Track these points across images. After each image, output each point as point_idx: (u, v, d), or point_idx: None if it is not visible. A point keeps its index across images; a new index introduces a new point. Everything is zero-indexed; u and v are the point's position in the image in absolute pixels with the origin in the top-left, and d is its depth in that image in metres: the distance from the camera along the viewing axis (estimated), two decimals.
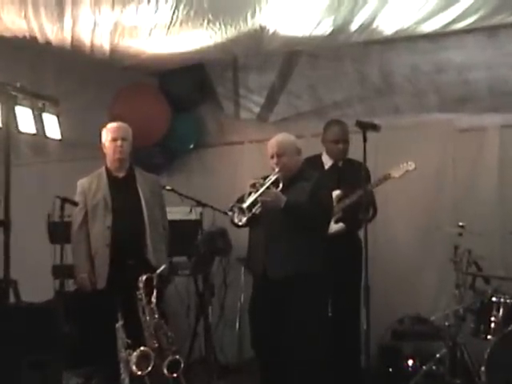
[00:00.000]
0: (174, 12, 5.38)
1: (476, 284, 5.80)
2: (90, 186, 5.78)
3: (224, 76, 7.57)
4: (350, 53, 6.78)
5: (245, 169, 7.33)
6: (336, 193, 5.73)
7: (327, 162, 6.08)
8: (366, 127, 4.83)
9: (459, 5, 5.45)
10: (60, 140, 6.23)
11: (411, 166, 5.78)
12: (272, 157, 5.15)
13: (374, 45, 6.57)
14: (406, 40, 6.39)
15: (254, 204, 4.89)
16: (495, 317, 5.58)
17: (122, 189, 5.78)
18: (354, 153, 5.91)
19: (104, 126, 5.86)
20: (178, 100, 7.52)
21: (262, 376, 5.23)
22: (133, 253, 5.61)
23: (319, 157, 6.12)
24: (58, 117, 6.06)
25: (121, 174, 5.82)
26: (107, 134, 5.77)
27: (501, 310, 5.57)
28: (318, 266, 5.00)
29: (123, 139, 5.73)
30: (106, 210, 5.69)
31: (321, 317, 5.06)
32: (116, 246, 5.63)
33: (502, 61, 6.37)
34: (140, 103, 7.30)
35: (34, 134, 5.93)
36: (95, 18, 5.49)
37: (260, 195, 4.90)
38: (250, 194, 4.95)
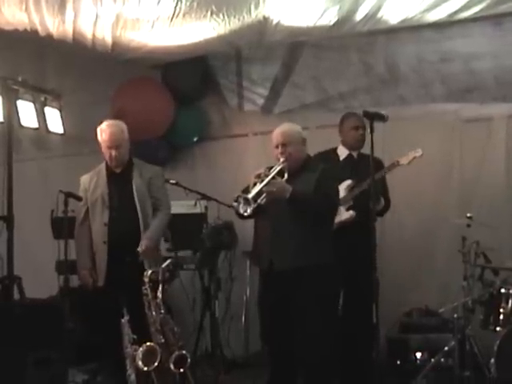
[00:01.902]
0: (177, 3, 5.33)
1: (484, 275, 5.75)
2: (90, 182, 5.75)
3: (227, 68, 7.51)
4: (354, 43, 6.72)
5: (249, 161, 7.27)
6: (347, 182, 5.76)
7: (343, 153, 6.07)
8: (373, 118, 4.76)
9: None
10: (62, 134, 6.19)
11: (418, 152, 5.75)
12: (277, 147, 5.07)
13: (379, 35, 6.51)
14: (412, 30, 6.33)
15: (259, 194, 4.83)
16: (504, 308, 5.54)
17: (119, 185, 5.72)
18: None
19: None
20: (182, 93, 7.47)
21: (272, 369, 5.17)
22: (130, 249, 5.51)
23: (334, 150, 6.10)
24: (60, 111, 6.03)
25: (118, 170, 5.75)
26: (101, 136, 5.64)
27: (510, 302, 5.53)
28: (325, 257, 4.95)
29: (117, 147, 5.61)
30: (103, 207, 5.66)
31: (331, 308, 5.01)
32: (113, 242, 5.59)
33: (508, 50, 6.31)
34: (143, 96, 7.25)
35: (36, 129, 5.90)
36: (97, 11, 5.44)
37: (265, 185, 4.85)
38: (255, 184, 4.89)
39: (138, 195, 5.65)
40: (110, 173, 5.74)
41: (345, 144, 6.08)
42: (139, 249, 5.42)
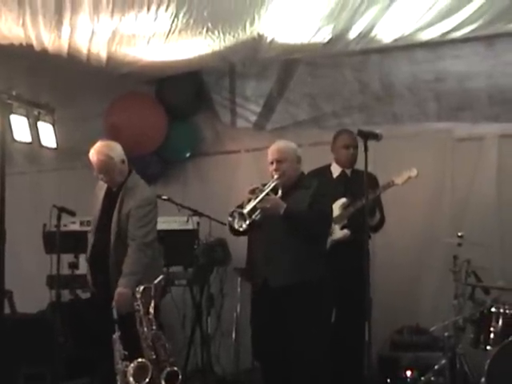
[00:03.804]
0: (173, 20, 5.32)
1: (475, 294, 5.75)
2: (99, 191, 5.62)
3: (221, 84, 7.51)
4: (349, 61, 6.73)
5: (241, 177, 7.27)
6: (342, 200, 5.78)
7: (336, 170, 6.10)
8: (367, 137, 4.78)
9: (458, 15, 5.43)
10: (55, 149, 6.17)
11: (413, 172, 5.75)
12: (272, 163, 5.10)
13: (373, 53, 6.53)
14: (406, 49, 6.35)
15: (253, 210, 4.85)
16: (495, 327, 5.52)
17: (110, 205, 5.53)
18: None
19: (100, 136, 5.72)
20: (175, 108, 7.48)
21: None
22: (101, 278, 5.43)
23: (328, 167, 6.12)
24: (53, 125, 6.02)
25: (114, 188, 5.58)
26: (92, 159, 5.47)
27: (500, 321, 5.52)
28: (319, 273, 4.96)
29: (106, 173, 5.44)
30: (94, 226, 5.59)
31: (323, 325, 5.01)
32: (92, 263, 5.52)
33: (500, 70, 6.34)
34: (136, 111, 7.25)
35: (29, 143, 5.88)
36: (93, 27, 5.42)
37: (259, 202, 4.86)
38: (249, 200, 4.90)
39: (113, 226, 5.42)
40: (108, 188, 5.60)
41: (337, 162, 6.11)
42: (113, 302, 5.11)
